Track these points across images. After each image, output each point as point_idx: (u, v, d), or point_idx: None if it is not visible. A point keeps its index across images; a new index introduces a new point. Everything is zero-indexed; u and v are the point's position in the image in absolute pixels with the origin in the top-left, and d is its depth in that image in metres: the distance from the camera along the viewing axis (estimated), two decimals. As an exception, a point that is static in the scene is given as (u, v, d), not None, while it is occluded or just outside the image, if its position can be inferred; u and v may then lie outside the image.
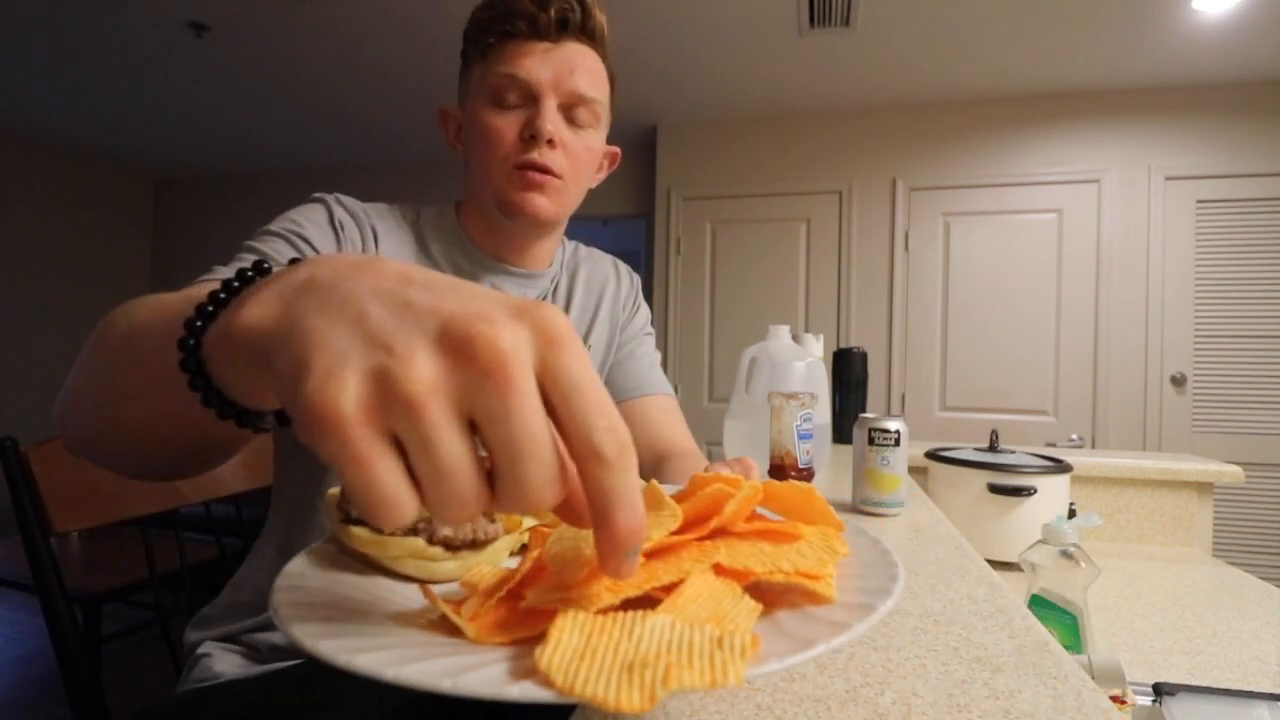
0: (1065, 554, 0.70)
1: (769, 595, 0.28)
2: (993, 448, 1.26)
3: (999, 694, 0.35)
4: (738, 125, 3.20)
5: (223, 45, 2.52)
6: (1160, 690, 0.59)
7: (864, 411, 1.45)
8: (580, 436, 0.21)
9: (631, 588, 0.25)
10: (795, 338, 1.12)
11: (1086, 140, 2.82)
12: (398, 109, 3.13)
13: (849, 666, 0.38)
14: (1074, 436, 2.81)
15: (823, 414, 1.04)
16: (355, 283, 0.22)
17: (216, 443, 0.33)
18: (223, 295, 0.27)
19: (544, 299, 0.79)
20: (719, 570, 0.28)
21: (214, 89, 2.94)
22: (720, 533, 0.30)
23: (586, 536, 0.27)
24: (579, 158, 0.70)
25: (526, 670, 0.22)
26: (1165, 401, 2.74)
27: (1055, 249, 2.84)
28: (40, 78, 2.85)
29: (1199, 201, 2.71)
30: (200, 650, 0.66)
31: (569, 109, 0.68)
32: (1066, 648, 0.51)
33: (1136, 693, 0.60)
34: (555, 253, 0.81)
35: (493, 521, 0.33)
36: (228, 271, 0.51)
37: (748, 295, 3.18)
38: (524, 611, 0.25)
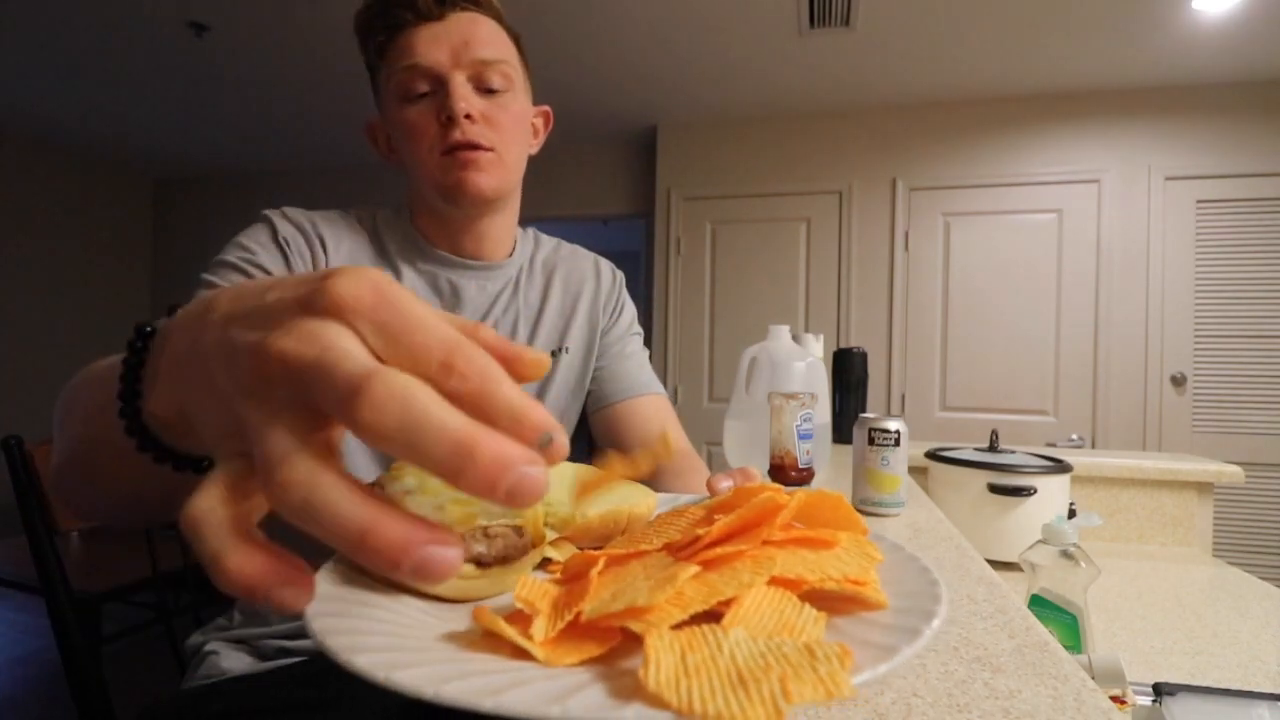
0: (1065, 554, 0.70)
1: (821, 603, 0.27)
2: (993, 448, 1.26)
3: (999, 694, 0.35)
4: (738, 125, 3.20)
5: (223, 45, 2.52)
6: (1160, 690, 0.59)
7: (864, 411, 1.45)
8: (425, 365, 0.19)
9: (698, 603, 0.24)
10: (795, 338, 1.12)
11: (1086, 140, 2.82)
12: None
13: (849, 666, 0.38)
14: (1074, 436, 2.81)
15: (823, 414, 1.04)
16: (201, 345, 0.22)
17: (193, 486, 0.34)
18: (130, 368, 0.27)
19: (509, 290, 0.77)
20: (773, 581, 0.27)
21: (214, 89, 2.94)
22: (762, 541, 0.30)
23: (642, 560, 0.27)
24: (503, 125, 0.69)
25: (624, 691, 0.22)
26: (1165, 401, 2.74)
27: (1055, 249, 2.84)
28: (40, 78, 2.85)
29: (1199, 201, 2.71)
30: (208, 648, 0.67)
31: (477, 79, 0.67)
32: (1066, 648, 0.51)
33: (1136, 693, 0.60)
34: (512, 240, 0.80)
35: (521, 537, 0.33)
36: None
37: (748, 295, 3.18)
38: (583, 627, 0.25)
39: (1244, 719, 0.56)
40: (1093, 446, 2.81)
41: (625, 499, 0.39)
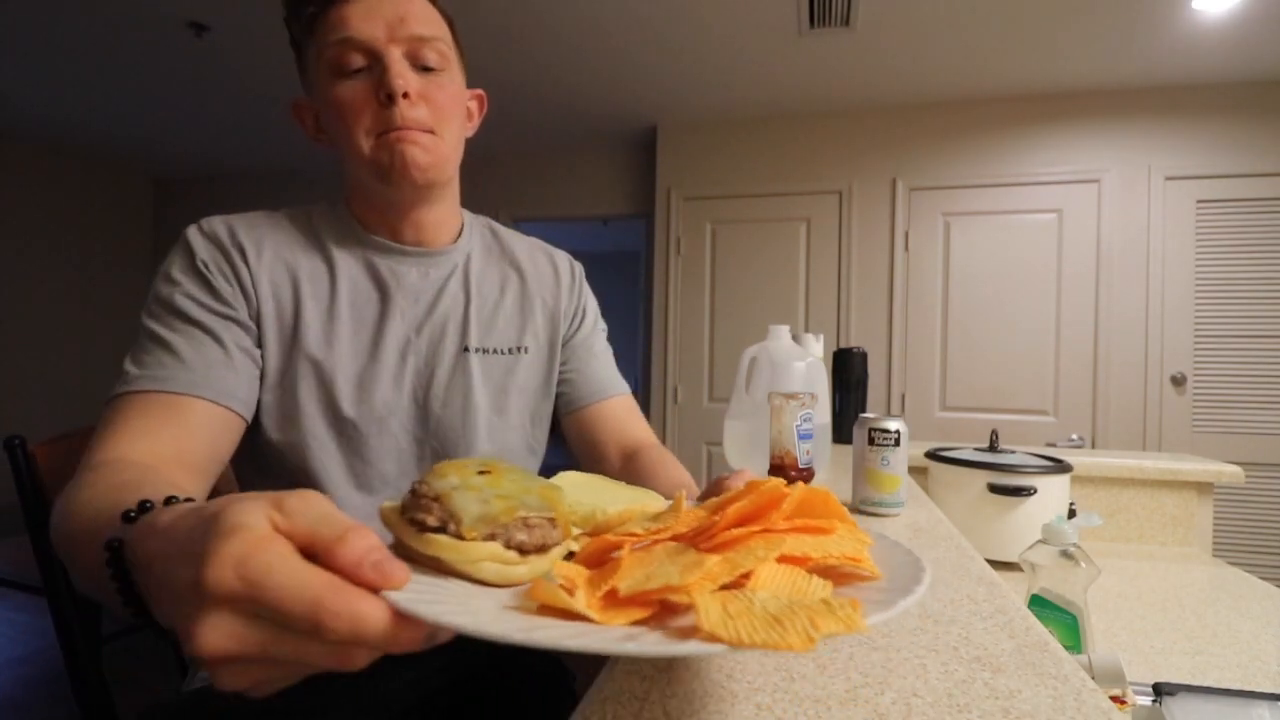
0: (1065, 554, 0.70)
1: (824, 577, 0.31)
2: (993, 448, 1.26)
3: (999, 694, 0.35)
4: (738, 125, 3.20)
5: (223, 45, 2.52)
6: (1160, 690, 0.59)
7: (864, 411, 1.45)
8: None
9: (724, 576, 0.29)
10: (795, 338, 1.12)
11: (1086, 140, 2.82)
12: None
13: (849, 666, 0.38)
14: (1074, 436, 2.81)
15: (823, 414, 1.04)
16: (154, 600, 0.31)
17: None
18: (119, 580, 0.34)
19: (457, 278, 0.74)
20: (781, 558, 0.32)
21: (214, 89, 2.94)
22: (767, 529, 0.33)
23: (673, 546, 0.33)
24: (441, 105, 0.66)
25: (678, 634, 0.26)
26: (1165, 401, 2.74)
27: (1055, 249, 2.84)
28: (40, 78, 2.85)
29: (1199, 201, 2.71)
30: None
31: (413, 55, 0.65)
32: (1066, 648, 0.51)
33: (1136, 693, 0.60)
34: (456, 226, 0.77)
35: (555, 529, 0.36)
36: (149, 381, 0.57)
37: (748, 295, 3.18)
38: (621, 600, 0.29)
39: (1244, 719, 0.56)
40: (1093, 446, 2.81)
41: (636, 499, 0.44)
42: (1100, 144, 2.80)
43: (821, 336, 1.24)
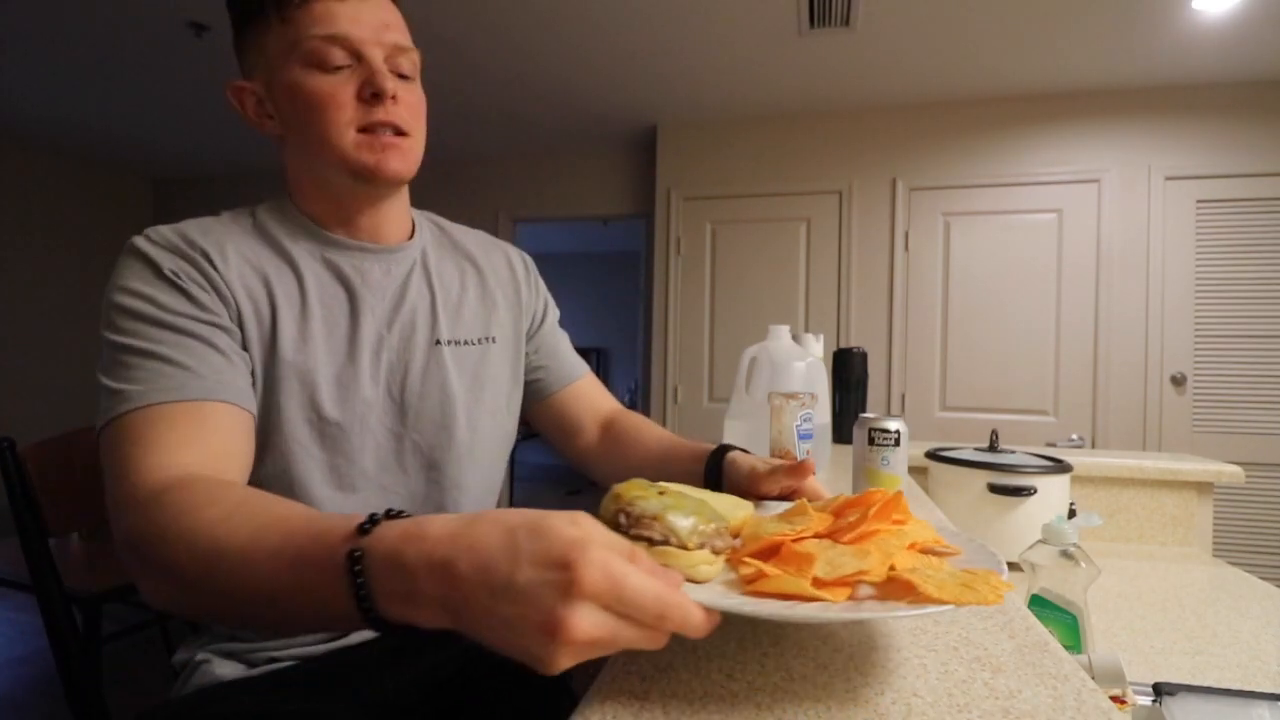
0: (1065, 554, 0.70)
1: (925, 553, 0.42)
2: (993, 448, 1.26)
3: (999, 694, 0.35)
4: (738, 125, 3.20)
5: (223, 45, 2.52)
6: (1160, 690, 0.59)
7: (864, 411, 1.45)
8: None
9: (887, 561, 0.38)
10: (795, 338, 1.12)
11: (1086, 140, 2.82)
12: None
13: (849, 666, 0.38)
14: (1074, 436, 2.81)
15: (823, 414, 1.04)
16: (460, 607, 0.34)
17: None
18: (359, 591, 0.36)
19: (418, 273, 0.74)
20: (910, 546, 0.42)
21: (214, 89, 2.94)
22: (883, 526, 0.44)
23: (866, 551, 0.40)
24: (416, 111, 0.68)
25: (895, 596, 0.36)
26: (1165, 401, 2.74)
27: (1055, 249, 2.84)
28: (40, 78, 2.85)
29: (1199, 201, 2.71)
30: (198, 657, 0.66)
31: (391, 62, 0.66)
32: (1066, 648, 0.51)
33: (1136, 693, 0.60)
34: (408, 222, 0.77)
35: (734, 538, 0.46)
36: (159, 393, 0.54)
37: (748, 295, 3.18)
38: (824, 583, 0.37)
39: (1244, 719, 0.56)
40: (1093, 446, 2.81)
41: (738, 506, 0.53)
42: (1100, 144, 2.80)
43: (821, 336, 1.24)
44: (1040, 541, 0.73)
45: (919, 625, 0.44)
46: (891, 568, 0.38)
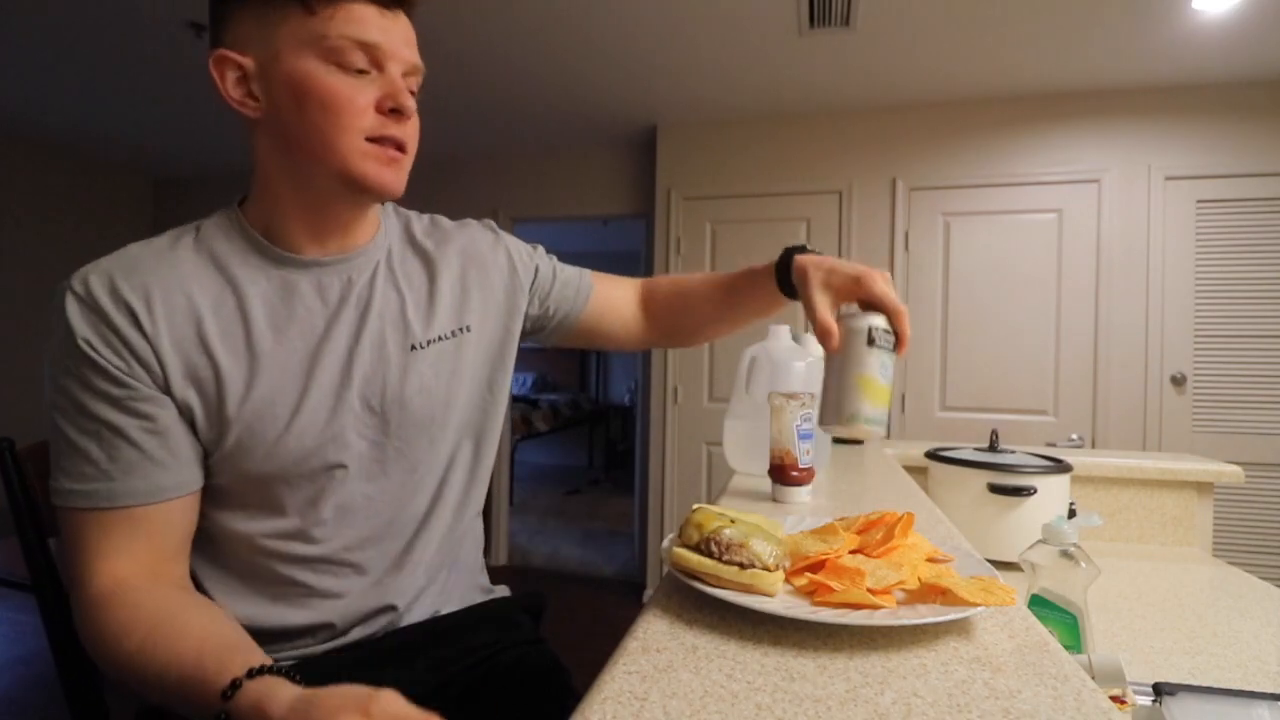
0: (1065, 554, 0.70)
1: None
2: (993, 448, 1.26)
3: (999, 694, 0.35)
4: (738, 125, 3.20)
5: (223, 45, 2.52)
6: (1160, 690, 0.59)
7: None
8: None
9: (915, 574, 0.48)
10: (795, 338, 1.12)
11: (1086, 140, 2.82)
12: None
13: (849, 666, 0.38)
14: (1074, 436, 2.81)
15: (823, 414, 1.03)
16: None
17: None
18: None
19: (383, 275, 0.70)
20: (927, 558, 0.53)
21: (214, 89, 2.94)
22: (901, 543, 0.53)
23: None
24: (416, 130, 0.66)
25: (929, 599, 0.46)
26: (1165, 401, 2.74)
27: (1055, 249, 2.84)
28: (40, 78, 2.85)
29: (1199, 201, 2.71)
30: None
31: (408, 79, 0.64)
32: (1066, 648, 0.51)
33: (1136, 693, 0.60)
34: (376, 222, 0.73)
35: (786, 557, 0.51)
36: (84, 499, 0.57)
37: (748, 295, 3.18)
38: (874, 592, 0.46)
39: (1244, 719, 0.56)
40: (1093, 446, 2.81)
41: (775, 526, 0.58)
42: (1100, 144, 2.80)
43: (821, 336, 1.24)
44: (1040, 541, 0.73)
45: (919, 625, 0.44)
46: (918, 578, 0.46)
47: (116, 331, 0.57)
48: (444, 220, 0.82)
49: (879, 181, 3.03)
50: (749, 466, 1.03)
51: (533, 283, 0.83)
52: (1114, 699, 0.57)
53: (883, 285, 0.65)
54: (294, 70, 0.60)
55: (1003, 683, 0.36)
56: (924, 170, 2.98)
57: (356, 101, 0.60)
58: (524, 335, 0.84)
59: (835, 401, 0.63)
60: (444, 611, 0.75)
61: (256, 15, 0.60)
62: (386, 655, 0.69)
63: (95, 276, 0.58)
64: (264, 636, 0.67)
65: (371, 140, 0.61)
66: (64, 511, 0.58)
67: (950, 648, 0.41)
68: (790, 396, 0.84)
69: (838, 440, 1.39)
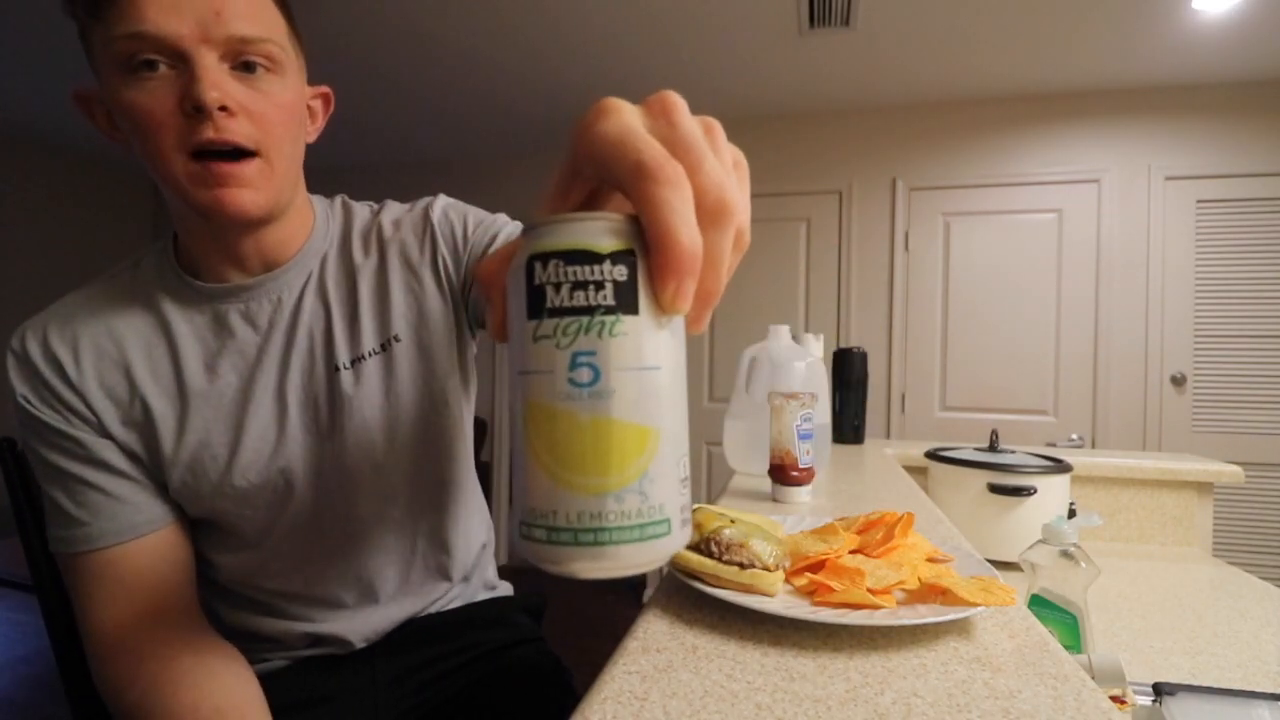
0: (1065, 554, 0.70)
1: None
2: (993, 448, 1.26)
3: (999, 694, 0.35)
4: (737, 125, 3.20)
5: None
6: (1160, 690, 0.59)
7: (864, 411, 1.45)
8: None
9: (915, 574, 0.47)
10: (795, 338, 1.12)
11: (1086, 140, 2.82)
12: (396, 109, 3.13)
13: (849, 666, 0.38)
14: (1074, 436, 2.81)
15: (823, 414, 1.04)
16: None
17: None
18: None
19: (312, 290, 0.63)
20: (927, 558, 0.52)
21: (214, 89, 2.94)
22: (901, 543, 0.53)
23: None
24: (270, 120, 0.53)
25: (928, 599, 0.45)
26: (1165, 401, 2.74)
27: (1055, 249, 2.84)
28: (40, 78, 2.85)
29: (1199, 201, 2.71)
30: None
31: (234, 58, 0.51)
32: (1066, 648, 0.51)
33: (1136, 693, 0.60)
34: (306, 227, 0.64)
35: (786, 557, 0.51)
36: (66, 544, 0.58)
37: (748, 295, 3.18)
38: (874, 592, 0.45)
39: (1244, 719, 0.56)
40: (1093, 446, 2.81)
41: (774, 526, 0.59)
42: (1100, 144, 2.80)
43: (821, 336, 1.24)
44: (1040, 541, 0.73)
45: (918, 625, 0.44)
46: (918, 578, 0.46)
47: (47, 385, 0.57)
48: (389, 210, 0.69)
49: (879, 181, 3.03)
50: (749, 466, 1.03)
51: (465, 263, 0.67)
52: (1114, 699, 0.57)
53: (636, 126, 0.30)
54: (108, 92, 0.51)
55: (1002, 683, 0.36)
56: (924, 170, 2.98)
57: (155, 114, 0.49)
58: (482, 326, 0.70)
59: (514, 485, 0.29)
60: (446, 609, 0.75)
61: (87, 40, 0.52)
62: (386, 653, 0.69)
63: (31, 332, 0.58)
64: (264, 641, 0.67)
65: (195, 156, 0.51)
66: (57, 559, 0.60)
67: (950, 648, 0.41)
68: (790, 396, 0.84)
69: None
